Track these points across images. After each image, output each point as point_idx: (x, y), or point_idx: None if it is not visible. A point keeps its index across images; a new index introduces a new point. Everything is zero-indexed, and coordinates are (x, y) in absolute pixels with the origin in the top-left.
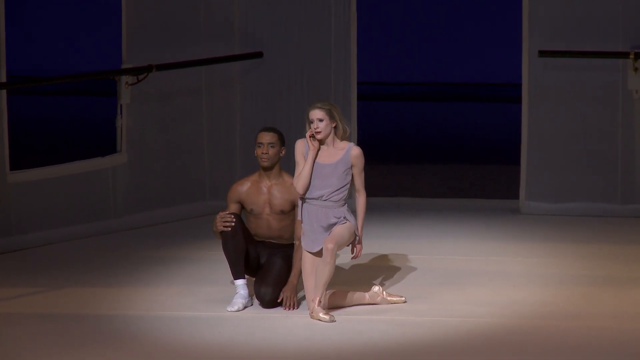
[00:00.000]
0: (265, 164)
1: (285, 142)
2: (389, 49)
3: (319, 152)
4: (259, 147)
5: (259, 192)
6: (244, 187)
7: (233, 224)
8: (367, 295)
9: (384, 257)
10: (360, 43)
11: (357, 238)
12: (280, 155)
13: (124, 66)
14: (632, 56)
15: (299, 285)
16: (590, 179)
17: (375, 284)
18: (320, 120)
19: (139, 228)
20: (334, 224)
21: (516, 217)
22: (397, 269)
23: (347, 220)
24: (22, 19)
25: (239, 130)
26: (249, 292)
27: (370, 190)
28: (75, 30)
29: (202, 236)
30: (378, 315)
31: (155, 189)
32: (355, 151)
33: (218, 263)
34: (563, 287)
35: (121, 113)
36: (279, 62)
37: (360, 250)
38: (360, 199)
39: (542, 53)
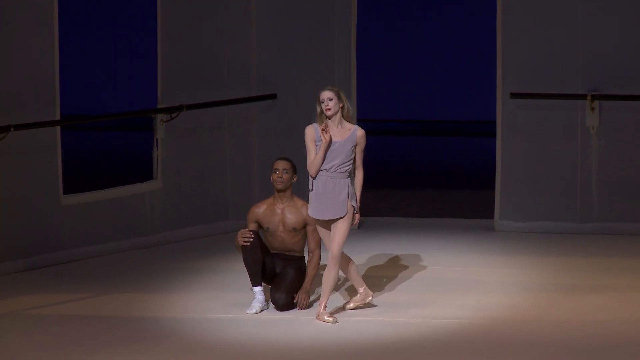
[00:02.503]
0: (280, 186)
1: (297, 171)
2: (385, 91)
3: (330, 132)
4: (275, 172)
5: (274, 213)
6: (260, 209)
7: (252, 239)
8: (362, 289)
9: (378, 268)
10: (359, 86)
11: (356, 208)
12: (293, 181)
13: (159, 106)
14: (589, 98)
15: (312, 286)
16: (554, 201)
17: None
18: (330, 100)
19: (173, 243)
20: (339, 201)
21: (491, 234)
22: (390, 277)
23: (347, 203)
24: (73, 66)
25: (256, 160)
26: (266, 297)
27: (367, 211)
28: (117, 74)
29: (225, 250)
30: (374, 317)
31: (186, 209)
32: (361, 132)
33: (239, 273)
34: (531, 293)
35: (157, 146)
36: (291, 103)
37: (358, 218)
38: (359, 174)
39: (514, 95)
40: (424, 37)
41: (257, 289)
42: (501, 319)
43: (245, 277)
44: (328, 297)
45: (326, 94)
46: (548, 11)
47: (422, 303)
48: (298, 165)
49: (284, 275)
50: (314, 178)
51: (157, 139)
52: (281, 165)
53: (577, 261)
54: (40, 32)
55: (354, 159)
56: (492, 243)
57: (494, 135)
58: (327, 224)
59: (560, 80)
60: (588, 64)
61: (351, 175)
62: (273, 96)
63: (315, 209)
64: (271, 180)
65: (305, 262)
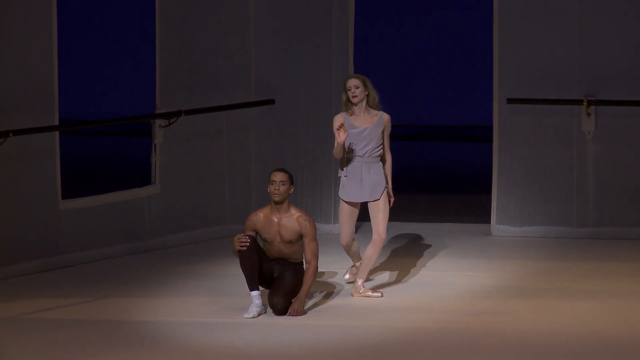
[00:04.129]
0: (277, 199)
1: (294, 182)
2: (382, 96)
3: (359, 119)
4: (272, 184)
5: (271, 224)
6: (258, 219)
7: (248, 244)
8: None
9: (375, 272)
10: None
11: (390, 191)
12: (290, 192)
13: (157, 111)
14: (585, 103)
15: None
16: (550, 206)
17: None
18: (357, 87)
19: (170, 247)
20: (374, 183)
21: (488, 239)
22: (387, 281)
23: (384, 185)
24: (72, 71)
25: (254, 165)
26: (263, 301)
27: (363, 215)
28: (116, 80)
29: (223, 254)
30: (372, 321)
31: (183, 214)
32: (387, 116)
33: (237, 277)
34: (527, 298)
35: (155, 151)
36: (289, 108)
37: (392, 201)
38: (389, 158)
39: (510, 100)
40: (421, 42)
41: (255, 293)
42: (497, 323)
43: (242, 282)
44: (367, 274)
45: (353, 82)
46: (545, 16)
47: (419, 307)
48: (296, 174)
49: (281, 279)
50: (345, 159)
51: (155, 144)
52: (278, 177)
53: (573, 266)
54: (39, 37)
55: (383, 143)
56: (488, 247)
57: (490, 140)
58: (356, 205)
59: (556, 85)
60: (584, 69)
61: (382, 159)
62: (271, 101)
63: (349, 193)
64: (268, 191)
65: (304, 266)
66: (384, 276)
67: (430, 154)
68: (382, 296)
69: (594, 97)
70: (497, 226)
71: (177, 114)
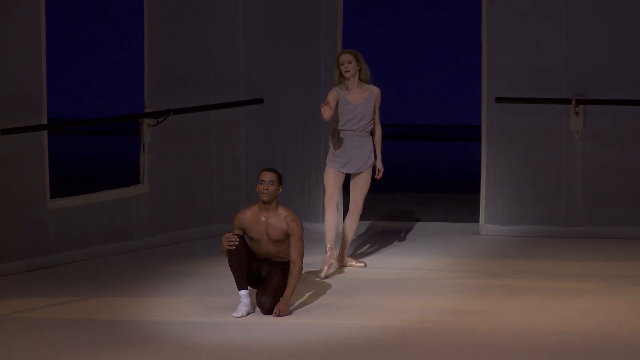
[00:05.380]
0: (265, 198)
1: (282, 182)
2: None
3: (351, 94)
4: (261, 184)
5: (258, 223)
6: (245, 217)
7: (237, 243)
8: (329, 247)
9: (364, 271)
10: None
11: (377, 164)
12: (278, 192)
13: (146, 110)
14: (573, 102)
15: (296, 289)
16: (539, 205)
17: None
18: (349, 62)
19: (159, 247)
20: (363, 156)
21: (476, 238)
22: (375, 281)
23: (372, 159)
24: (60, 71)
25: (243, 164)
26: (251, 301)
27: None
28: (104, 79)
29: (211, 254)
30: (361, 320)
31: (172, 214)
32: (377, 90)
33: (225, 277)
34: (516, 297)
35: (143, 150)
36: (277, 108)
37: (382, 171)
38: (379, 130)
39: (499, 99)
40: (410, 41)
41: (243, 292)
42: (486, 322)
43: (231, 281)
44: (349, 246)
45: (345, 57)
46: (533, 16)
47: (407, 307)
48: (284, 174)
49: (269, 279)
50: (338, 131)
51: (143, 144)
52: (267, 176)
53: (561, 265)
54: (27, 36)
55: (373, 116)
56: (477, 247)
57: (479, 139)
58: (342, 174)
59: (545, 84)
60: (572, 68)
61: (372, 132)
62: (260, 101)
63: (340, 164)
64: (257, 190)
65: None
66: (372, 275)
67: (418, 153)
68: (365, 266)
69: (583, 96)
70: (486, 225)
71: (166, 113)
